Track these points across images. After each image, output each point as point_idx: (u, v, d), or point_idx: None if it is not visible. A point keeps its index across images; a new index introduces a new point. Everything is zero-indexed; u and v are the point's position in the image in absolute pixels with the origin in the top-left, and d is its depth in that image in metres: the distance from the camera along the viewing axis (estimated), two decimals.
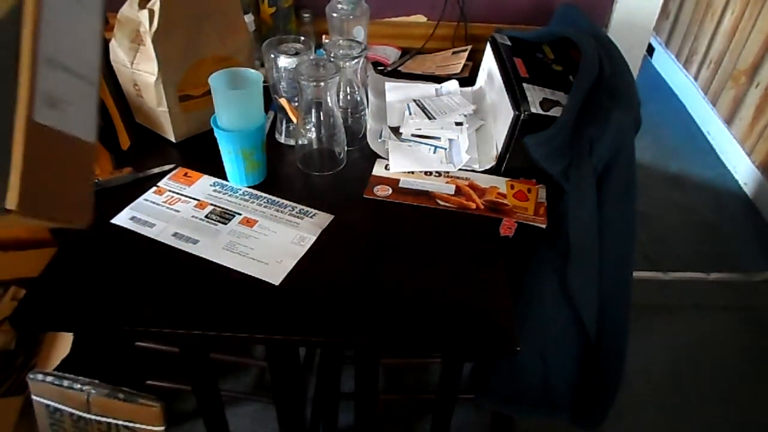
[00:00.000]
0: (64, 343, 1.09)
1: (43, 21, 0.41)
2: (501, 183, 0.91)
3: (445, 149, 0.95)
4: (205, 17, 0.90)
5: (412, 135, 0.96)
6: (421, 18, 1.32)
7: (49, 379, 0.79)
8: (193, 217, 0.82)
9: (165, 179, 0.89)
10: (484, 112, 1.03)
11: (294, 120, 0.93)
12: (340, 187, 0.91)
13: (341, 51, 0.92)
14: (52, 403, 0.81)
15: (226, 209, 0.84)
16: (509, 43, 1.03)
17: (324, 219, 0.83)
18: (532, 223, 0.84)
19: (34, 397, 0.82)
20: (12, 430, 0.99)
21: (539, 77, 0.93)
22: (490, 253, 0.79)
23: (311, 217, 0.83)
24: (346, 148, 0.93)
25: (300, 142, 0.92)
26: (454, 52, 1.25)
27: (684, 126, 2.54)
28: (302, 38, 0.93)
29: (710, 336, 1.62)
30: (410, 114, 0.97)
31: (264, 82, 0.82)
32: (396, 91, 1.05)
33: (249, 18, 1.14)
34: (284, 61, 0.89)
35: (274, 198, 0.86)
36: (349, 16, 1.06)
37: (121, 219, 0.81)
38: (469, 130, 0.97)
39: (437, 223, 0.84)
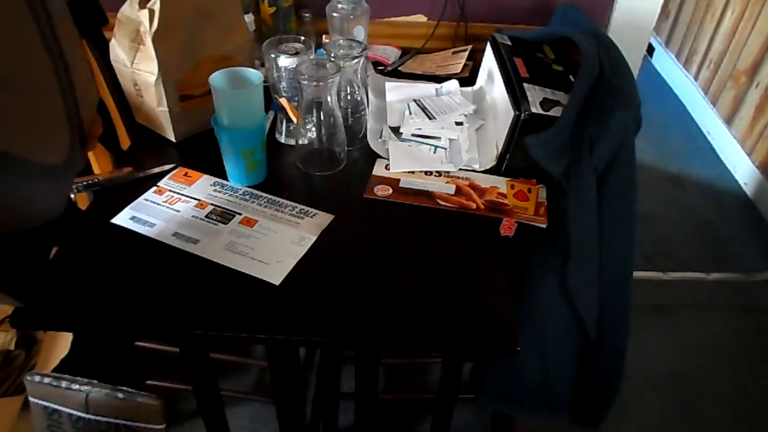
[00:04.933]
0: (63, 343, 1.09)
1: None
2: (501, 183, 0.91)
3: (446, 149, 0.95)
4: (205, 17, 0.90)
5: (413, 135, 0.96)
6: (421, 18, 1.31)
7: (47, 380, 0.79)
8: (193, 216, 0.82)
9: (165, 179, 0.89)
10: (484, 112, 1.03)
11: (294, 120, 0.93)
12: (340, 187, 0.91)
13: (341, 51, 0.92)
14: (50, 405, 0.81)
15: (227, 209, 0.83)
16: (509, 42, 1.03)
17: (324, 219, 0.83)
18: (532, 223, 0.84)
19: (31, 399, 0.81)
20: (12, 430, 0.99)
21: (540, 77, 0.93)
22: (490, 253, 0.79)
23: (311, 217, 0.83)
24: (346, 148, 0.93)
25: (300, 142, 0.92)
26: (454, 52, 1.25)
27: (684, 126, 2.54)
28: (302, 38, 0.93)
29: (710, 336, 1.62)
30: (410, 114, 0.97)
31: (264, 81, 0.82)
32: (396, 91, 1.05)
33: (249, 18, 1.14)
34: (284, 61, 0.89)
35: (274, 198, 0.86)
36: (349, 16, 1.06)
37: (122, 219, 0.81)
38: (469, 130, 0.97)
39: (437, 223, 0.84)
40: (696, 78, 2.61)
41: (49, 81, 0.51)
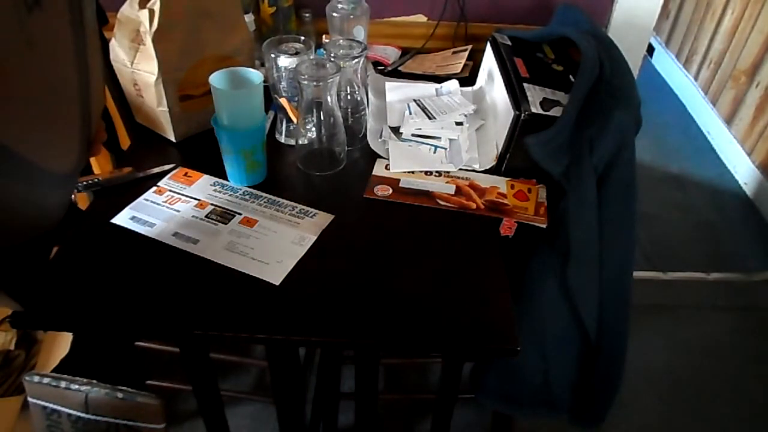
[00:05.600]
0: (63, 343, 1.09)
1: None
2: (501, 183, 0.91)
3: (446, 149, 0.95)
4: (205, 17, 0.90)
5: (413, 135, 0.96)
6: (421, 18, 1.31)
7: (46, 380, 0.79)
8: (193, 216, 0.82)
9: (165, 179, 0.89)
10: (484, 112, 1.03)
11: (294, 120, 0.93)
12: (340, 187, 0.91)
13: (341, 51, 0.92)
14: (49, 405, 0.81)
15: (227, 209, 0.83)
16: (509, 42, 1.03)
17: (324, 219, 0.82)
18: (532, 223, 0.84)
19: (30, 399, 0.81)
20: (11, 430, 0.99)
21: (540, 77, 0.93)
22: (490, 253, 0.79)
23: (311, 217, 0.83)
24: (346, 148, 0.93)
25: (300, 142, 0.92)
26: (454, 52, 1.25)
27: (684, 126, 2.54)
28: (302, 38, 0.93)
29: (710, 336, 1.62)
30: (410, 114, 0.97)
31: (264, 81, 0.82)
32: (396, 91, 1.05)
33: (249, 18, 1.14)
34: (284, 61, 0.89)
35: (274, 198, 0.86)
36: (349, 16, 1.06)
37: (121, 219, 0.81)
38: (469, 130, 0.97)
39: (437, 223, 0.84)
40: (696, 78, 2.61)
41: (73, 93, 0.51)
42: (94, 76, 0.56)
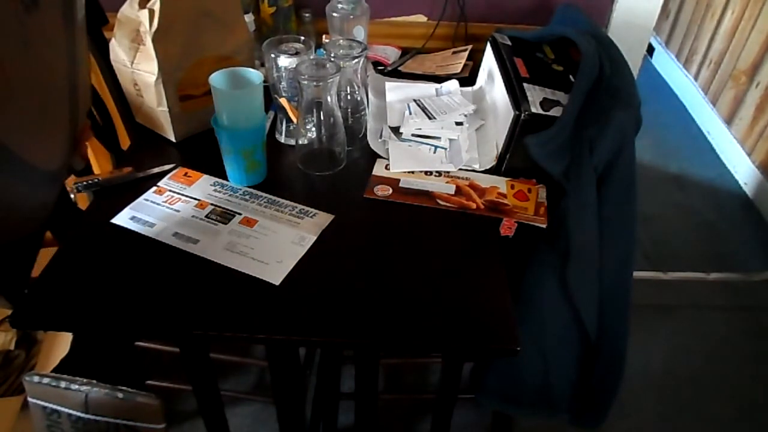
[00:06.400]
0: (63, 343, 1.09)
1: None
2: (501, 183, 0.91)
3: (446, 149, 0.95)
4: (205, 17, 0.90)
5: (413, 135, 0.96)
6: (421, 18, 1.32)
7: (46, 380, 0.79)
8: (193, 216, 0.82)
9: (165, 179, 0.89)
10: (484, 112, 1.03)
11: (294, 120, 0.93)
12: (340, 187, 0.91)
13: (341, 51, 0.92)
14: (49, 405, 0.81)
15: (227, 209, 0.83)
16: (509, 42, 1.03)
17: (324, 219, 0.82)
18: (532, 223, 0.84)
19: (30, 399, 0.81)
20: (11, 430, 0.99)
21: (540, 77, 0.93)
22: (490, 253, 0.79)
23: (311, 217, 0.83)
24: (346, 148, 0.93)
25: (300, 142, 0.92)
26: (454, 52, 1.25)
27: (684, 126, 2.54)
28: (302, 38, 0.93)
29: (710, 336, 1.62)
30: (410, 114, 0.97)
31: (264, 81, 0.82)
32: (396, 91, 1.05)
33: (249, 18, 1.14)
34: (284, 61, 0.89)
35: (274, 198, 0.86)
36: (349, 16, 1.06)
37: (121, 219, 0.81)
38: (469, 130, 0.97)
39: (437, 223, 0.84)
40: (696, 78, 2.61)
41: (63, 92, 0.51)
42: (82, 75, 0.57)
